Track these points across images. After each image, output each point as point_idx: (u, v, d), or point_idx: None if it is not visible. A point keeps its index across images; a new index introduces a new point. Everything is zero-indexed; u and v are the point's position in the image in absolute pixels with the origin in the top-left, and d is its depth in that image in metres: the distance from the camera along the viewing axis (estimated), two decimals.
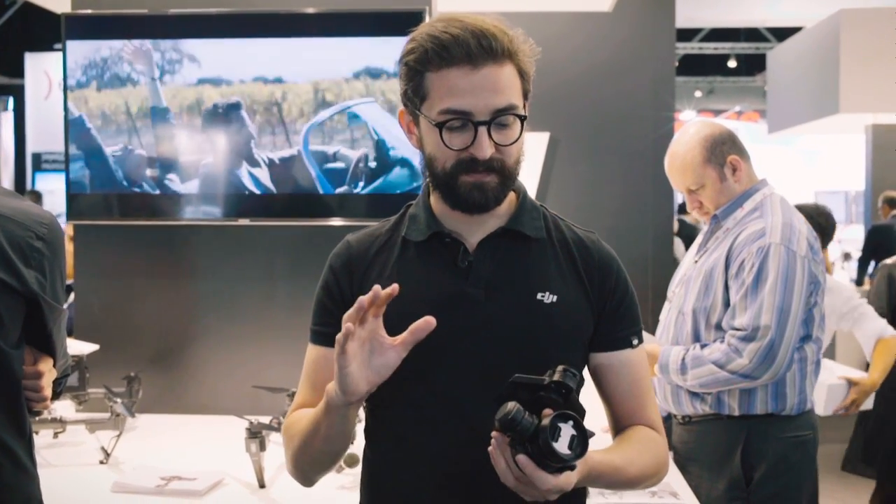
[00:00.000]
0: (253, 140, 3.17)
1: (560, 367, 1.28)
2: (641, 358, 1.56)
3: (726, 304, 2.46)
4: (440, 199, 1.49)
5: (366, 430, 1.58)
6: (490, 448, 1.28)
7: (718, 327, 2.48)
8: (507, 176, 1.43)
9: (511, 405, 1.24)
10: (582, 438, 1.24)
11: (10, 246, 1.64)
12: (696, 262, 2.61)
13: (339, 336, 1.29)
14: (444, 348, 1.43)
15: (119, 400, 2.81)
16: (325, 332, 1.52)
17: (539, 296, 1.47)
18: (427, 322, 1.31)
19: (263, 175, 3.18)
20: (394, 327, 1.41)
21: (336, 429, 1.40)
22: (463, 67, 1.38)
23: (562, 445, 1.23)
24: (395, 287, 1.31)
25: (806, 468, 2.55)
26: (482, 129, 1.38)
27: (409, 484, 1.48)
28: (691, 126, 2.66)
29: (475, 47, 1.37)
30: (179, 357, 3.43)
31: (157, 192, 3.24)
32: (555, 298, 1.47)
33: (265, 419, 2.61)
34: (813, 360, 2.51)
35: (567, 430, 1.24)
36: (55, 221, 1.75)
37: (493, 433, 1.28)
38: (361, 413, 1.57)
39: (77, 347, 2.94)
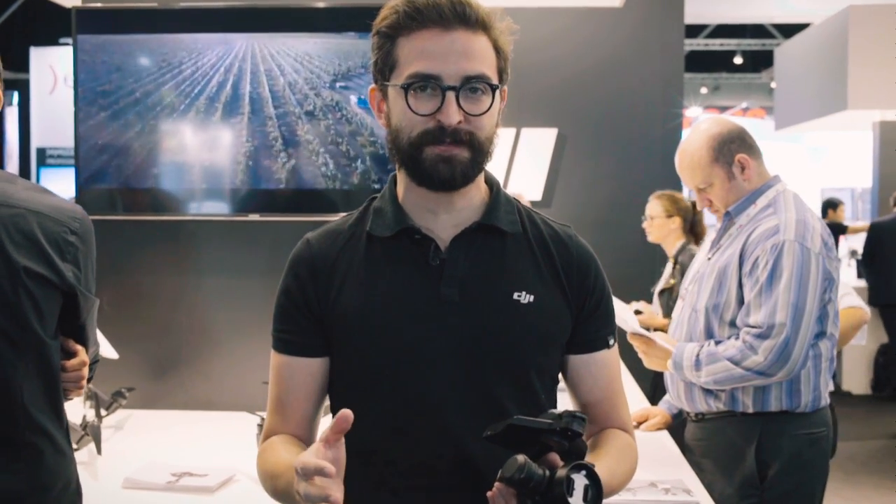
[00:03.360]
0: (262, 135, 3.16)
1: (566, 412, 1.23)
2: (616, 357, 1.52)
3: (740, 301, 2.45)
4: (407, 179, 1.40)
5: None
6: (489, 494, 1.23)
7: (732, 324, 2.47)
8: (478, 151, 1.35)
9: (521, 460, 1.19)
10: (595, 488, 1.21)
11: (46, 241, 1.70)
12: (709, 258, 2.60)
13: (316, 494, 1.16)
14: (417, 352, 1.37)
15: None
16: (289, 340, 1.45)
17: (515, 295, 1.40)
18: (344, 417, 1.18)
19: (273, 170, 3.18)
20: (360, 329, 1.37)
21: None
22: (433, 29, 1.33)
23: (577, 499, 1.19)
24: (348, 414, 1.18)
25: (820, 465, 2.55)
26: (450, 94, 1.32)
27: (383, 499, 1.39)
28: (702, 124, 2.65)
29: (448, 10, 1.32)
30: (188, 353, 3.43)
31: (167, 187, 3.23)
32: (531, 298, 1.40)
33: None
34: (827, 356, 2.50)
35: (580, 481, 1.20)
36: (86, 216, 1.81)
37: (497, 485, 1.22)
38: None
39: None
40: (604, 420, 1.50)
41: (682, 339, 2.61)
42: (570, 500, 1.18)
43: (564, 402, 1.53)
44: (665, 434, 2.90)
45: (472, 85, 1.33)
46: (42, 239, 1.69)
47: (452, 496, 1.36)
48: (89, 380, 1.90)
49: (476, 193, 1.43)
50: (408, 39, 1.34)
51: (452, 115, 1.32)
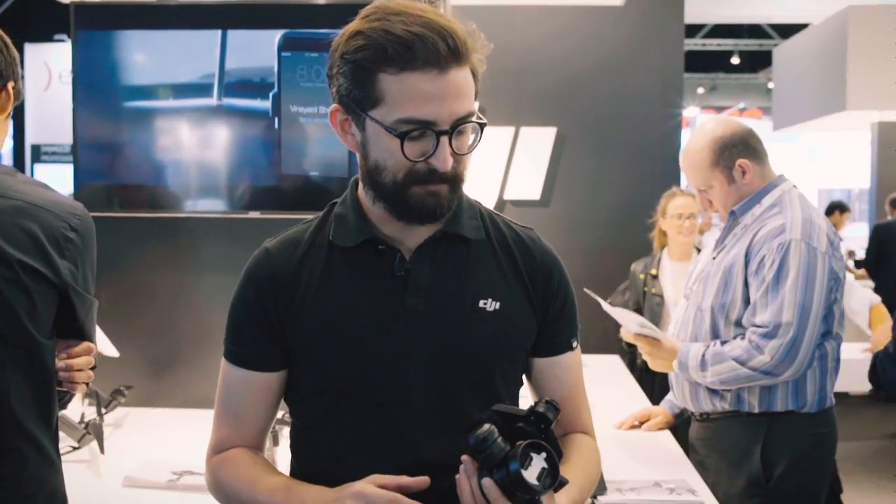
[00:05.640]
0: (262, 131, 3.14)
1: (543, 400, 1.24)
2: (578, 360, 1.52)
3: (746, 300, 2.44)
4: (383, 208, 1.36)
5: (294, 448, 1.48)
6: (457, 476, 1.23)
7: (738, 324, 2.46)
8: (459, 184, 1.33)
9: (486, 427, 1.20)
10: (553, 472, 1.20)
11: (45, 237, 1.63)
12: (714, 258, 2.59)
13: None
14: (382, 363, 1.35)
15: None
16: (245, 354, 1.42)
17: (481, 303, 1.38)
18: (420, 483, 1.26)
19: (273, 167, 3.16)
20: (325, 342, 1.34)
21: None
22: (429, 72, 1.25)
23: (530, 475, 1.18)
24: (425, 480, 1.26)
25: (826, 465, 2.55)
26: (444, 140, 1.27)
27: None
28: (708, 123, 2.64)
29: (443, 49, 1.25)
30: (186, 351, 3.40)
31: (166, 184, 3.21)
32: (497, 305, 1.39)
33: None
34: (833, 356, 2.50)
35: (538, 462, 1.20)
36: (87, 213, 1.74)
37: (463, 457, 1.22)
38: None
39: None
40: (567, 423, 1.50)
41: (687, 338, 2.60)
42: (523, 473, 1.18)
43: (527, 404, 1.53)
44: (667, 434, 2.88)
45: (461, 127, 1.29)
46: (40, 234, 1.62)
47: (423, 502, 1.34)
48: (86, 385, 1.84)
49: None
50: (397, 79, 1.26)
51: (447, 161, 1.29)
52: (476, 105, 1.34)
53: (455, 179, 1.32)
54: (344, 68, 1.30)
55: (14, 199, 1.63)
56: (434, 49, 1.24)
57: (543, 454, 1.20)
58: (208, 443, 1.51)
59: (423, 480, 1.25)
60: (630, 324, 2.68)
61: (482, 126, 1.32)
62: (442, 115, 1.27)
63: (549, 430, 1.23)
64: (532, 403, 1.25)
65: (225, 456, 1.44)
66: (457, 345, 1.37)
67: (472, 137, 1.33)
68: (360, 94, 1.29)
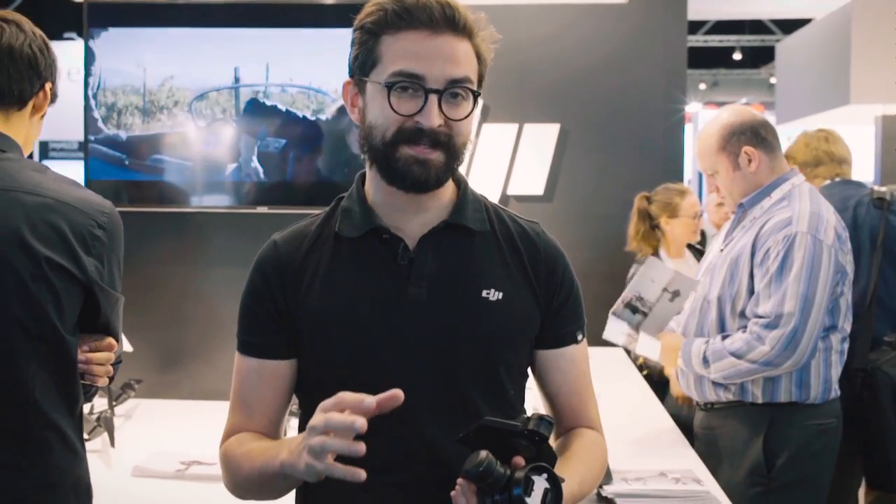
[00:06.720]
0: (271, 128, 3.17)
1: (535, 415, 1.23)
2: (584, 353, 1.52)
3: (751, 292, 2.46)
4: (378, 177, 1.39)
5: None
6: (453, 493, 1.23)
7: (743, 315, 2.48)
8: (453, 155, 1.35)
9: (483, 455, 1.18)
10: (556, 492, 1.20)
11: (72, 234, 1.66)
12: (722, 250, 2.61)
13: (315, 443, 1.18)
14: (386, 352, 1.37)
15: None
16: (256, 343, 1.44)
17: (484, 293, 1.40)
18: (394, 397, 1.19)
19: (281, 163, 3.19)
20: (328, 329, 1.36)
21: (295, 483, 1.36)
22: (422, 31, 1.32)
23: (535, 500, 1.18)
24: (398, 393, 1.19)
25: (828, 457, 2.56)
26: (433, 97, 1.31)
27: (352, 494, 1.34)
28: (724, 111, 2.67)
29: (437, 13, 1.32)
30: (196, 343, 3.44)
31: (176, 179, 3.24)
32: (500, 296, 1.40)
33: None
34: (838, 349, 2.51)
35: (540, 484, 1.19)
36: (115, 211, 1.77)
37: (459, 480, 1.22)
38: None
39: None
40: (572, 417, 1.50)
41: (693, 329, 2.62)
42: (527, 500, 1.18)
43: (532, 398, 1.54)
44: (673, 424, 2.91)
45: (454, 89, 1.32)
46: (68, 231, 1.65)
47: (425, 493, 1.36)
48: (111, 379, 1.86)
49: (444, 192, 1.43)
50: (394, 38, 1.33)
51: (434, 118, 1.31)
52: (477, 83, 1.37)
53: (448, 147, 1.34)
54: (355, 36, 1.38)
55: (43, 196, 1.66)
56: (429, 12, 1.32)
57: (544, 475, 1.20)
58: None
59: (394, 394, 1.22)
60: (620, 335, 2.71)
61: (476, 96, 1.35)
62: (432, 72, 1.31)
63: (544, 445, 1.23)
64: (524, 417, 1.24)
65: (231, 438, 1.47)
66: (459, 334, 1.38)
67: (467, 107, 1.35)
68: (364, 59, 1.36)
